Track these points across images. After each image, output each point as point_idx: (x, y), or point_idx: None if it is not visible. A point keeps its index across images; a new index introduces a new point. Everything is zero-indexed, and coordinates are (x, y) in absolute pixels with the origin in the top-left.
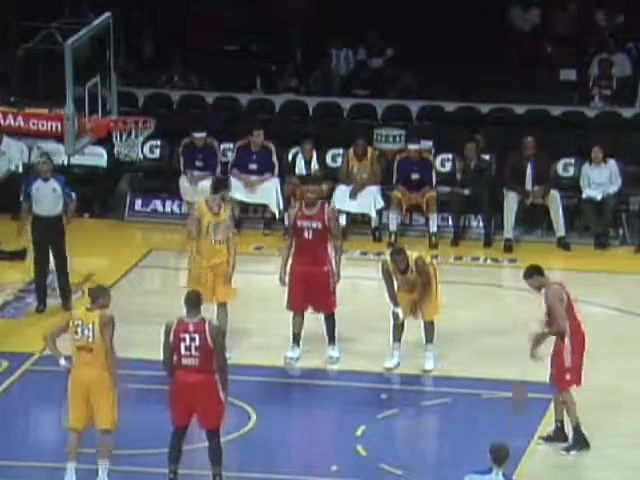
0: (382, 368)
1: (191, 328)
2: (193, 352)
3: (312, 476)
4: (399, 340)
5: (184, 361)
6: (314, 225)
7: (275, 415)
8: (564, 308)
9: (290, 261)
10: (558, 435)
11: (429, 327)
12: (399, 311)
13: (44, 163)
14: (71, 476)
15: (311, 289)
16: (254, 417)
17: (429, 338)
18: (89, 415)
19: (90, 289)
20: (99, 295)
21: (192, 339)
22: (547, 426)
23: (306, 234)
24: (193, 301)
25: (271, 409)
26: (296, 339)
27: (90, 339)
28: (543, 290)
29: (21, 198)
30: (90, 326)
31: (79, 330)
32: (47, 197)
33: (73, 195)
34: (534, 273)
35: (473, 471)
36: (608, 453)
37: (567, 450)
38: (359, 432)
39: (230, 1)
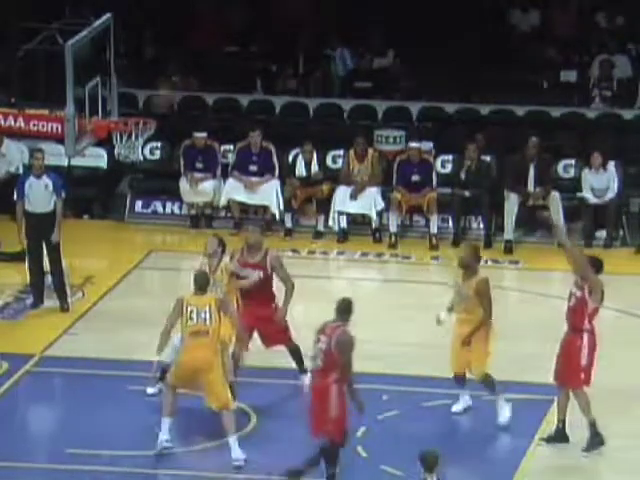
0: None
1: (328, 331)
2: (319, 355)
3: (313, 477)
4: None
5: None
6: (255, 274)
7: (275, 416)
8: (596, 305)
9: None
10: (559, 436)
11: (486, 383)
12: (443, 316)
13: (37, 159)
14: (166, 430)
15: (258, 329)
16: (254, 418)
17: (491, 390)
18: (194, 386)
19: (196, 276)
20: (205, 284)
21: (319, 341)
22: (547, 427)
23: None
24: (342, 308)
25: (271, 410)
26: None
27: (208, 322)
28: (579, 274)
29: (15, 197)
30: (207, 309)
31: (194, 315)
32: (39, 194)
33: (63, 194)
34: (595, 265)
35: None
36: (608, 454)
37: (586, 450)
38: (359, 433)
39: (230, 2)
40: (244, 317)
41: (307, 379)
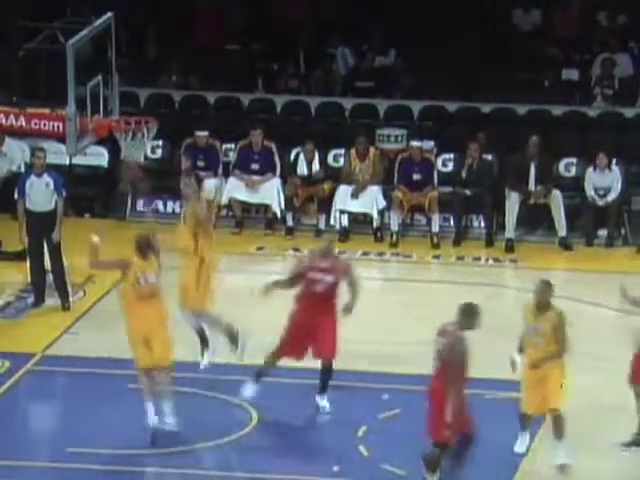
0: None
1: (445, 334)
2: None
3: (314, 476)
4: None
5: None
6: (327, 278)
7: (276, 415)
8: None
9: (293, 306)
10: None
11: (556, 420)
12: (517, 359)
13: (38, 158)
14: (151, 413)
15: (311, 336)
16: (255, 418)
17: (558, 432)
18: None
19: (138, 240)
20: (148, 247)
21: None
22: (547, 427)
23: (317, 287)
24: (463, 312)
25: (272, 409)
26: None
27: (155, 284)
28: None
29: (15, 196)
30: (152, 272)
31: (142, 280)
32: (40, 193)
33: (64, 193)
34: None
35: None
36: (609, 455)
37: (627, 445)
38: (361, 432)
39: (231, 1)
40: (299, 328)
41: (323, 401)
